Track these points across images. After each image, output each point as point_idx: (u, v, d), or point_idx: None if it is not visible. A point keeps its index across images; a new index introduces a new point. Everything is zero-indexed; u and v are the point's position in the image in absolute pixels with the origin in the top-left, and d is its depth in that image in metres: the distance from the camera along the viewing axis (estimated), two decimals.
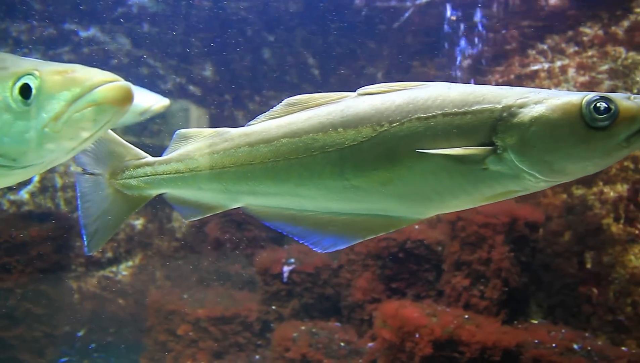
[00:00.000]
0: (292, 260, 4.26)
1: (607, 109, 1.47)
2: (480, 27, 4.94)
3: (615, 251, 3.92)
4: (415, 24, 5.47)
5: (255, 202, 1.89)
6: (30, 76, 1.52)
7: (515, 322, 3.54)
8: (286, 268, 4.16)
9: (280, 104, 1.86)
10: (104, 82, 1.49)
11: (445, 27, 5.23)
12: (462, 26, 5.11)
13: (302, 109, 1.81)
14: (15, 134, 1.53)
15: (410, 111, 1.63)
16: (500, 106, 1.56)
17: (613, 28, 4.00)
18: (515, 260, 3.56)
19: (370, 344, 3.60)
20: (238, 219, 4.84)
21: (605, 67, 4.01)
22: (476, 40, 4.98)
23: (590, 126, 1.49)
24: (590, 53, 4.10)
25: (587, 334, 3.38)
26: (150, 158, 2.00)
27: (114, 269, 5.66)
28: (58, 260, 4.79)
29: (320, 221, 1.82)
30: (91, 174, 2.02)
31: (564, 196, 4.21)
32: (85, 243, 2.02)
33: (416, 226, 4.13)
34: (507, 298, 3.48)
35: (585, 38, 4.14)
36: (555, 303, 4.15)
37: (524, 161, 1.54)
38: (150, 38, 6.21)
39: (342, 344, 3.55)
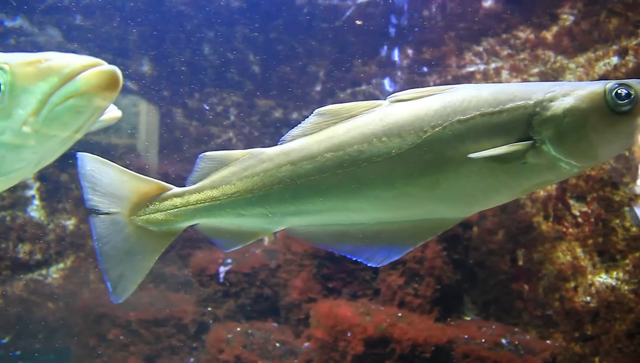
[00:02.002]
0: (229, 261, 4.17)
1: (628, 95, 1.59)
2: (418, 28, 5.01)
3: (545, 249, 4.05)
4: (357, 23, 5.49)
5: (301, 222, 1.79)
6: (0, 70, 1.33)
7: (449, 319, 3.59)
8: (222, 269, 4.07)
9: (311, 116, 1.78)
10: (86, 67, 1.30)
11: (386, 26, 5.28)
12: (401, 26, 5.17)
13: (335, 121, 1.74)
14: None
15: (449, 114, 1.65)
16: (532, 102, 1.64)
17: (543, 32, 4.13)
18: (448, 258, 3.61)
19: (306, 344, 3.56)
20: None
21: (536, 70, 4.13)
22: (415, 40, 5.05)
23: (614, 111, 1.60)
24: (522, 56, 4.22)
25: (516, 329, 3.47)
26: (177, 189, 1.82)
27: (43, 272, 5.39)
28: None
29: (369, 233, 1.78)
30: (106, 214, 1.81)
31: None
32: (110, 290, 1.82)
33: None
34: (440, 296, 3.53)
35: (517, 41, 4.26)
36: (490, 299, 4.25)
37: (560, 151, 1.62)
38: (84, 31, 5.96)
39: (277, 345, 3.49)
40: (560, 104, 1.63)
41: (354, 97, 5.50)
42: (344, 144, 1.70)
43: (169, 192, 1.81)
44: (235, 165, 1.79)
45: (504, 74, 4.33)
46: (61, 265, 5.44)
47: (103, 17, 5.99)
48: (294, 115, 5.72)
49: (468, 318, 3.67)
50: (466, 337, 3.07)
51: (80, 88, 1.29)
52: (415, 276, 3.55)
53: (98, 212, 1.81)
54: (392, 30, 5.31)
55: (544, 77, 4.18)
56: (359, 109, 1.75)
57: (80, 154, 1.82)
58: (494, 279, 4.27)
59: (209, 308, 4.08)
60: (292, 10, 5.84)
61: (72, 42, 5.98)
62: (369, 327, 2.95)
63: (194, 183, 1.81)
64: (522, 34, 4.26)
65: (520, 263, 4.21)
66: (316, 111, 1.80)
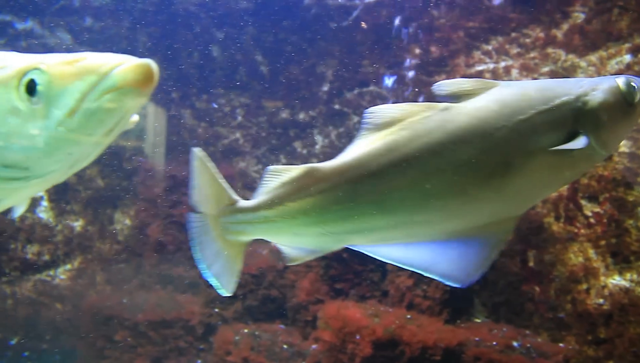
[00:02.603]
0: None
1: (636, 88, 1.74)
2: (427, 27, 4.96)
3: (556, 250, 3.99)
4: (365, 22, 5.46)
5: (363, 240, 1.73)
6: (37, 71, 1.31)
7: (458, 321, 3.54)
8: None
9: (364, 120, 1.71)
10: (121, 64, 1.28)
11: (394, 26, 5.24)
12: (410, 26, 5.13)
13: (390, 130, 1.67)
14: (26, 139, 1.32)
15: (510, 115, 1.67)
16: (574, 97, 1.71)
17: (553, 31, 4.08)
18: None
19: (313, 346, 3.53)
20: (181, 221, 4.69)
21: (546, 68, 4.08)
22: (423, 40, 5.00)
23: (628, 102, 1.73)
24: (532, 55, 4.16)
25: (527, 332, 3.41)
26: (241, 203, 1.80)
27: (51, 273, 5.40)
28: None
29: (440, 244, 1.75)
30: (200, 213, 1.85)
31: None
32: (215, 285, 1.85)
33: None
34: (449, 298, 3.48)
35: (527, 40, 4.21)
36: (500, 301, 4.19)
37: (599, 141, 1.70)
38: (94, 33, 5.98)
39: (285, 346, 3.46)
40: (594, 98, 1.71)
41: (361, 98, 5.47)
42: (407, 157, 1.63)
43: (235, 206, 1.80)
44: (291, 184, 1.73)
45: (514, 72, 4.28)
46: (68, 266, 5.44)
47: (112, 19, 6.01)
48: (301, 115, 5.69)
49: (478, 321, 3.62)
50: (477, 339, 3.02)
51: (117, 83, 1.27)
52: (424, 278, 3.51)
53: (194, 210, 1.83)
54: (400, 30, 5.27)
55: (554, 76, 4.13)
56: (414, 113, 1.69)
57: (194, 149, 1.83)
58: (504, 280, 4.21)
59: (216, 310, 4.06)
60: (301, 10, 5.82)
61: (82, 44, 6.01)
62: (377, 328, 2.91)
63: (258, 198, 1.78)
64: (532, 33, 4.20)
65: (531, 264, 4.14)
66: (367, 112, 1.74)
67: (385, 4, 5.32)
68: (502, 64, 4.34)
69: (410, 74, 5.10)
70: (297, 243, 1.79)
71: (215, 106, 5.96)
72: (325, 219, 1.69)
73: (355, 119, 5.38)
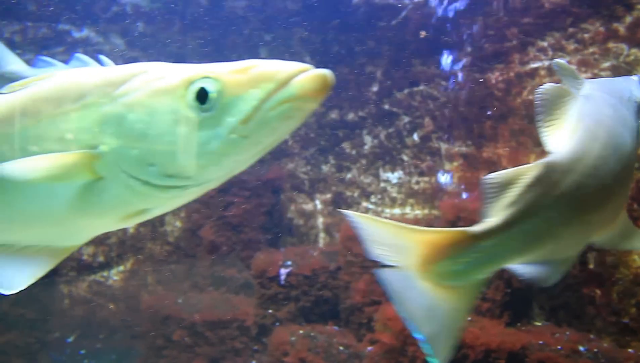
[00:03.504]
0: (289, 263, 4.17)
1: None
2: (480, 24, 4.87)
3: (619, 252, 3.84)
4: (414, 21, 5.40)
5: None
6: (207, 79, 1.31)
7: (518, 324, 3.45)
8: (283, 271, 4.06)
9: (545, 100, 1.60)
10: (299, 72, 1.26)
11: (445, 24, 5.16)
12: (461, 24, 5.04)
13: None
14: (194, 148, 1.32)
15: None
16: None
17: (615, 25, 3.93)
18: None
19: (369, 348, 3.50)
20: (233, 222, 4.74)
21: (607, 64, 3.94)
22: (475, 38, 4.91)
23: None
24: (591, 50, 4.03)
25: (592, 336, 3.29)
26: (469, 231, 1.53)
27: (105, 274, 5.55)
28: None
29: None
30: (391, 267, 1.60)
31: None
32: (431, 352, 1.60)
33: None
34: (510, 300, 3.40)
35: (586, 35, 4.07)
36: (558, 304, 4.06)
37: None
38: (145, 38, 6.13)
39: (341, 348, 3.45)
40: None
41: (411, 98, 5.41)
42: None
43: (466, 237, 1.53)
44: (530, 190, 1.53)
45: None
46: (121, 268, 5.58)
47: (163, 24, 6.13)
48: (350, 116, 5.67)
49: (539, 324, 3.52)
50: (540, 342, 2.94)
51: (296, 93, 1.26)
52: None
53: (382, 264, 1.62)
54: (451, 28, 5.19)
55: (616, 71, 3.98)
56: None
57: (347, 214, 1.66)
58: (562, 283, 4.09)
59: (270, 310, 4.08)
60: (349, 10, 5.80)
61: (135, 49, 6.16)
62: None
63: (490, 220, 1.54)
64: (591, 27, 4.06)
65: (591, 266, 4.00)
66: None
67: (435, 1, 5.25)
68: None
69: (462, 72, 5.01)
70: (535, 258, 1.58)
71: None
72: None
73: (406, 119, 5.32)
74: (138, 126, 1.34)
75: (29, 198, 1.47)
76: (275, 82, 1.26)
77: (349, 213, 1.63)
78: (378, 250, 1.60)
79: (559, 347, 2.90)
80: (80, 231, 1.61)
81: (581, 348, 2.92)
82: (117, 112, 1.37)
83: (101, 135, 1.38)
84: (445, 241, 1.54)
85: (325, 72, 1.26)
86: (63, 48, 6.10)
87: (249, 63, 1.32)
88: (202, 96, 1.30)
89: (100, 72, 1.48)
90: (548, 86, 1.62)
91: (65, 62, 4.02)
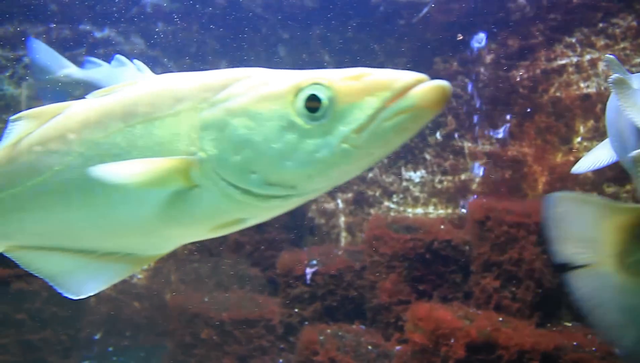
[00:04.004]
0: (315, 262, 4.16)
1: None
2: (504, 21, 4.82)
3: None
4: (435, 18, 5.36)
5: None
6: (318, 86, 1.25)
7: (548, 325, 3.42)
8: (309, 270, 4.06)
9: None
10: (418, 82, 1.20)
11: (468, 21, 5.12)
12: (484, 20, 5.00)
13: None
14: (302, 156, 1.26)
15: None
16: None
17: None
18: (548, 261, 3.44)
19: (397, 347, 3.50)
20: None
21: (639, 60, 3.88)
22: (500, 34, 4.86)
23: None
24: (622, 45, 3.97)
25: None
26: None
27: None
28: None
29: None
30: (584, 266, 1.47)
31: (595, 194, 4.08)
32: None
33: (442, 226, 4.03)
34: (540, 301, 3.37)
35: (617, 30, 4.01)
36: None
37: None
38: (165, 37, 6.15)
39: (369, 347, 3.45)
40: None
41: None
42: None
43: None
44: None
45: (601, 65, 4.09)
46: (145, 266, 5.62)
47: (183, 24, 6.15)
48: None
49: (568, 324, 3.49)
50: (575, 343, 2.91)
51: (415, 104, 1.19)
52: (512, 279, 3.41)
53: (573, 266, 1.48)
54: (474, 25, 5.14)
55: None
56: None
57: (554, 195, 1.57)
58: None
59: (296, 310, 4.09)
60: (368, 8, 5.78)
61: (155, 48, 6.19)
62: (471, 331, 2.85)
63: None
64: (622, 22, 4.00)
65: None
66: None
67: None
68: (588, 57, 4.16)
69: (486, 70, 4.96)
70: None
71: None
72: None
73: None
74: (242, 133, 1.29)
75: (117, 205, 1.44)
76: (392, 91, 1.20)
77: (557, 196, 1.50)
78: (569, 247, 1.46)
79: (593, 349, 2.86)
80: (166, 240, 1.56)
81: (617, 350, 2.88)
82: (219, 118, 1.32)
83: (199, 141, 1.33)
84: None
85: (445, 83, 1.20)
86: (85, 48, 6.14)
87: (361, 70, 1.27)
88: (312, 102, 1.25)
89: (196, 77, 1.44)
90: (617, 75, 1.58)
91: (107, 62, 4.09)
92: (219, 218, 1.42)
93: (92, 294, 1.56)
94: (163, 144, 1.37)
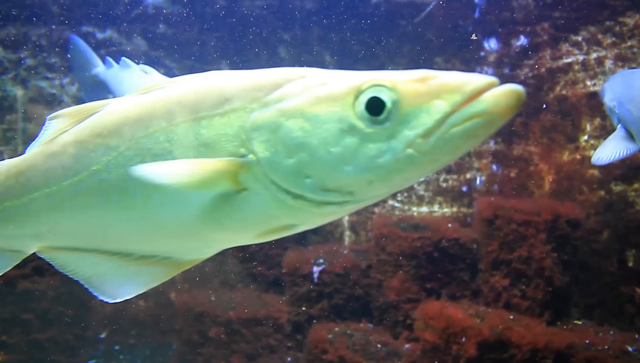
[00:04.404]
0: (321, 260, 4.15)
1: None
2: (508, 20, 4.82)
3: None
4: (438, 18, 5.36)
5: None
6: (380, 88, 1.18)
7: (558, 323, 3.41)
8: (316, 269, 4.05)
9: None
10: (490, 86, 1.13)
11: (470, 20, 5.11)
12: (487, 20, 5.00)
13: None
14: (363, 161, 1.19)
15: None
16: None
17: None
18: (558, 259, 3.43)
19: (407, 345, 3.48)
20: None
21: None
22: (503, 33, 4.86)
23: None
24: (630, 43, 3.97)
25: (637, 336, 3.24)
26: None
27: None
28: None
29: None
30: None
31: (602, 192, 4.08)
32: None
33: (449, 225, 4.02)
34: (550, 299, 3.36)
35: (624, 28, 4.01)
36: (594, 302, 4.02)
37: None
38: (166, 39, 6.15)
39: (378, 346, 3.43)
40: None
41: None
42: None
43: None
44: None
45: (608, 63, 4.09)
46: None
47: (184, 24, 6.14)
48: None
49: (579, 323, 3.48)
50: (587, 342, 2.90)
51: (487, 109, 1.12)
52: (522, 278, 3.40)
53: None
54: (477, 24, 5.14)
55: None
56: None
57: None
58: (599, 281, 4.04)
59: (303, 308, 4.07)
60: (369, 8, 5.77)
61: (157, 49, 6.18)
62: (483, 329, 2.83)
63: None
64: (629, 20, 4.00)
65: (630, 264, 3.95)
66: None
67: None
68: (594, 55, 4.16)
69: (490, 69, 4.96)
70: None
71: None
72: None
73: None
74: (297, 135, 1.23)
75: (158, 206, 1.38)
76: (463, 95, 1.13)
77: None
78: None
79: (606, 347, 2.85)
80: (208, 245, 1.51)
81: (630, 348, 2.87)
82: (272, 120, 1.26)
83: (249, 143, 1.27)
84: None
85: (520, 87, 1.13)
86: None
87: (426, 72, 1.20)
88: (373, 105, 1.18)
89: (245, 76, 1.37)
90: None
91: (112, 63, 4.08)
92: (267, 223, 1.36)
93: (127, 298, 1.52)
94: (210, 144, 1.31)
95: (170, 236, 1.46)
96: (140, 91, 1.47)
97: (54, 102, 5.89)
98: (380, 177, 1.21)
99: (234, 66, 6.14)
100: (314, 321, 3.88)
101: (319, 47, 6.06)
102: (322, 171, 1.22)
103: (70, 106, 1.57)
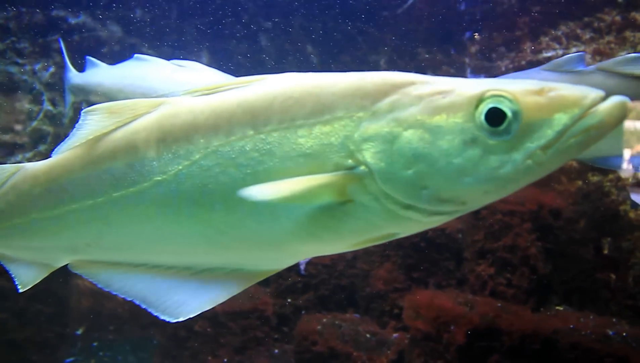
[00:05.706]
0: None
1: None
2: (489, 13, 4.89)
3: (634, 237, 3.93)
4: (421, 9, 5.39)
5: None
6: (501, 99, 1.18)
7: (542, 309, 3.52)
8: (303, 260, 4.06)
9: None
10: (601, 98, 1.17)
11: (452, 12, 5.17)
12: (469, 12, 5.05)
13: None
14: (484, 172, 1.19)
15: None
16: None
17: (632, 13, 3.99)
18: (542, 248, 3.53)
19: (395, 335, 3.54)
20: None
21: (624, 53, 3.99)
22: (485, 26, 4.93)
23: None
24: (607, 39, 4.08)
25: (614, 319, 3.36)
26: None
27: None
28: None
29: None
30: None
31: (579, 182, 4.20)
32: None
33: None
34: (534, 286, 3.46)
35: (602, 24, 4.12)
36: (572, 288, 4.14)
37: None
38: (143, 25, 6.01)
39: (368, 336, 3.47)
40: None
41: None
42: None
43: None
44: None
45: (587, 58, 4.19)
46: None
47: (161, 11, 6.02)
48: None
49: (561, 309, 3.59)
50: (571, 327, 3.00)
51: (602, 121, 1.16)
52: (507, 266, 3.48)
53: None
54: (459, 16, 5.19)
55: None
56: None
57: None
58: (576, 268, 4.17)
59: (289, 300, 4.08)
60: None
61: (132, 36, 6.04)
62: (474, 317, 2.90)
63: None
64: (607, 17, 4.11)
65: (606, 252, 4.09)
66: None
67: None
68: (574, 50, 4.26)
69: (471, 60, 5.03)
70: None
71: None
72: None
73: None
74: (416, 146, 1.20)
75: (243, 221, 1.30)
76: (581, 108, 1.17)
77: None
78: None
79: (588, 332, 2.96)
80: (292, 256, 1.43)
81: (610, 332, 2.99)
82: (387, 130, 1.22)
83: (360, 153, 1.23)
84: None
85: (627, 99, 1.17)
86: (59, 35, 5.92)
87: (542, 85, 1.22)
88: (493, 115, 1.18)
89: (342, 82, 1.30)
90: None
91: (117, 62, 3.75)
92: (369, 233, 1.31)
93: (192, 315, 1.41)
94: (311, 155, 1.24)
95: (251, 249, 1.37)
96: (198, 91, 1.36)
97: (25, 89, 5.70)
98: (497, 188, 1.22)
99: (214, 54, 6.05)
100: (302, 312, 3.90)
101: (300, 35, 6.03)
102: (440, 182, 1.21)
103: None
